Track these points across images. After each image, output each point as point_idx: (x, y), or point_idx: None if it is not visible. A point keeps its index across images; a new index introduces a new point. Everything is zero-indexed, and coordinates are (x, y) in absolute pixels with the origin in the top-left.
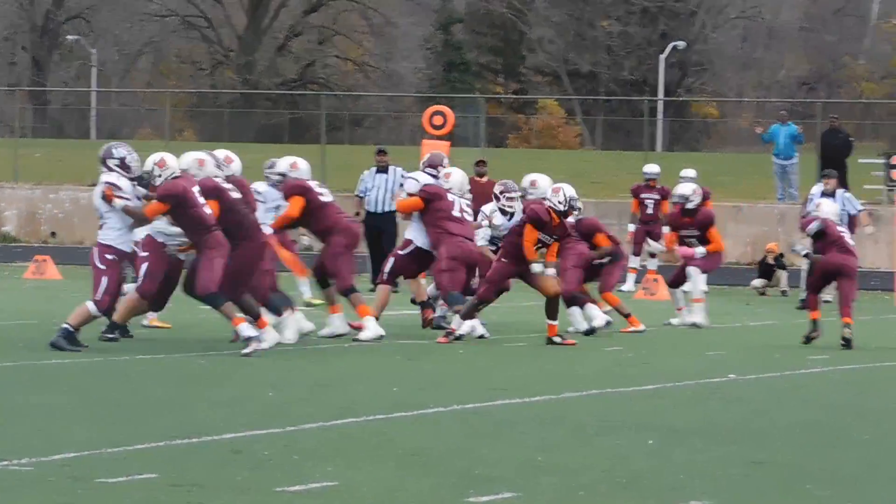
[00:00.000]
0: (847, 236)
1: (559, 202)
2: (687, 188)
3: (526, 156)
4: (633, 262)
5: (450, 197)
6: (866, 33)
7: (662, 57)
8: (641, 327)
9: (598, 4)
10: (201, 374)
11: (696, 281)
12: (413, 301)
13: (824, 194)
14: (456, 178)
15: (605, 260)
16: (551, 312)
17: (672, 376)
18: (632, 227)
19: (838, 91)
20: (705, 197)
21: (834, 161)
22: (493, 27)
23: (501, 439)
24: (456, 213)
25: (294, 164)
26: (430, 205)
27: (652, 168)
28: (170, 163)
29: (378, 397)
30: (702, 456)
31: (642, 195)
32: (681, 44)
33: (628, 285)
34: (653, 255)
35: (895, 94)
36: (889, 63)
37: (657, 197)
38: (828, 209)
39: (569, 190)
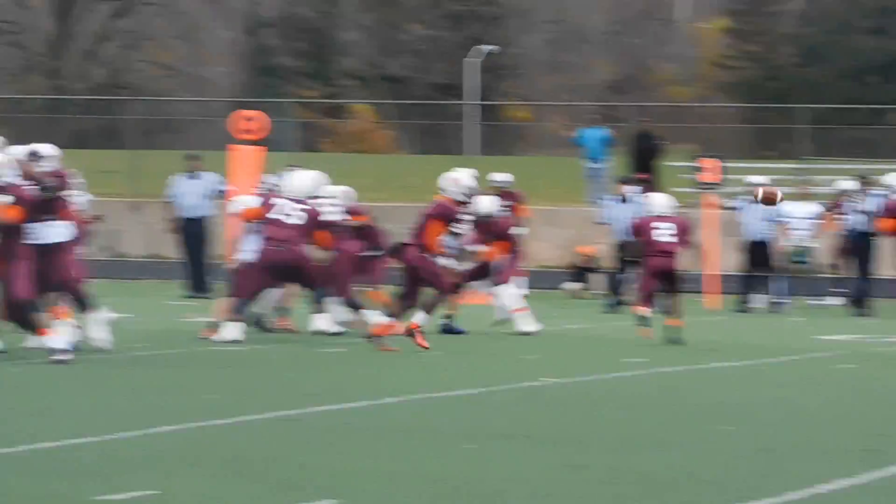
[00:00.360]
0: (667, 235)
1: (461, 192)
2: (486, 206)
3: (339, 160)
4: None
5: (277, 201)
6: (672, 36)
7: (470, 60)
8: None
9: (407, 9)
10: (14, 382)
11: (503, 295)
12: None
13: (624, 200)
14: (294, 180)
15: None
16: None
17: (489, 381)
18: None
19: (648, 94)
20: (519, 200)
21: (644, 164)
22: (303, 31)
23: (321, 446)
24: (274, 215)
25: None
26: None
27: (500, 177)
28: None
29: (195, 405)
30: (520, 460)
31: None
32: (488, 48)
33: None
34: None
35: (704, 97)
36: (695, 66)
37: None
38: (657, 202)
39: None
